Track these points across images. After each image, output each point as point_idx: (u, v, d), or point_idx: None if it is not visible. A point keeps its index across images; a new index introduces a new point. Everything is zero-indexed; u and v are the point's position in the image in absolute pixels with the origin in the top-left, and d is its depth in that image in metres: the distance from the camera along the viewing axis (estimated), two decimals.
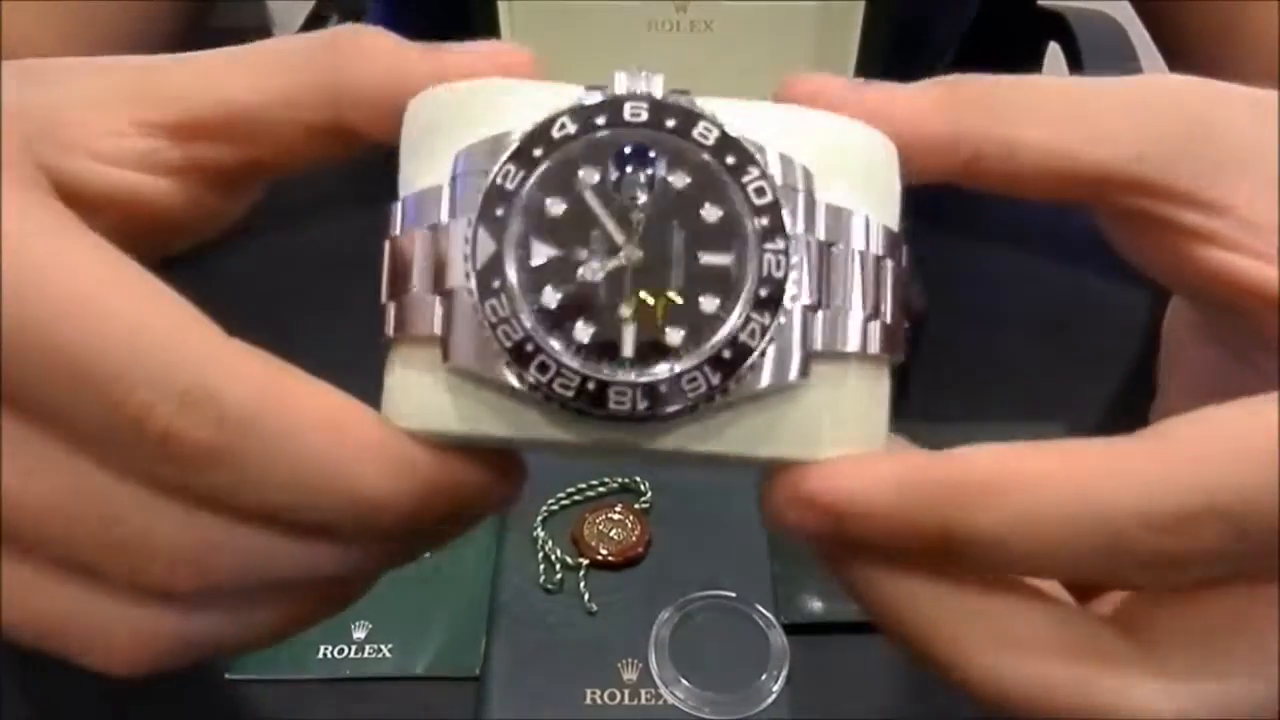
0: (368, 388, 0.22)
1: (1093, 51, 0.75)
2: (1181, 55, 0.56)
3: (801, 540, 0.22)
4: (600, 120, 0.21)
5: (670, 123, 0.21)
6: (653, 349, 0.21)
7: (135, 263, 0.21)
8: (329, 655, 0.42)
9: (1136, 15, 0.60)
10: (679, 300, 0.21)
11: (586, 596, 0.44)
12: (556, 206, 0.21)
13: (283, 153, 0.25)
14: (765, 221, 0.21)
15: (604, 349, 0.21)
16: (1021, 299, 0.57)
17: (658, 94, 0.22)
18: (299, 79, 0.24)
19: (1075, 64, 0.76)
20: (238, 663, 0.41)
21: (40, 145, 0.22)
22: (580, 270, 0.21)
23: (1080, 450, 0.20)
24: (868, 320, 0.22)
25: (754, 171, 0.21)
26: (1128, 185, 0.22)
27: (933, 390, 0.45)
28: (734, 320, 0.21)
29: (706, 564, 0.45)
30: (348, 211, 0.55)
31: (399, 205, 0.23)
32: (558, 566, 0.45)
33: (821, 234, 0.22)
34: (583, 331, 0.21)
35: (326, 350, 0.24)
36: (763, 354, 0.21)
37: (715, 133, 0.21)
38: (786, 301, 0.21)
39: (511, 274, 0.21)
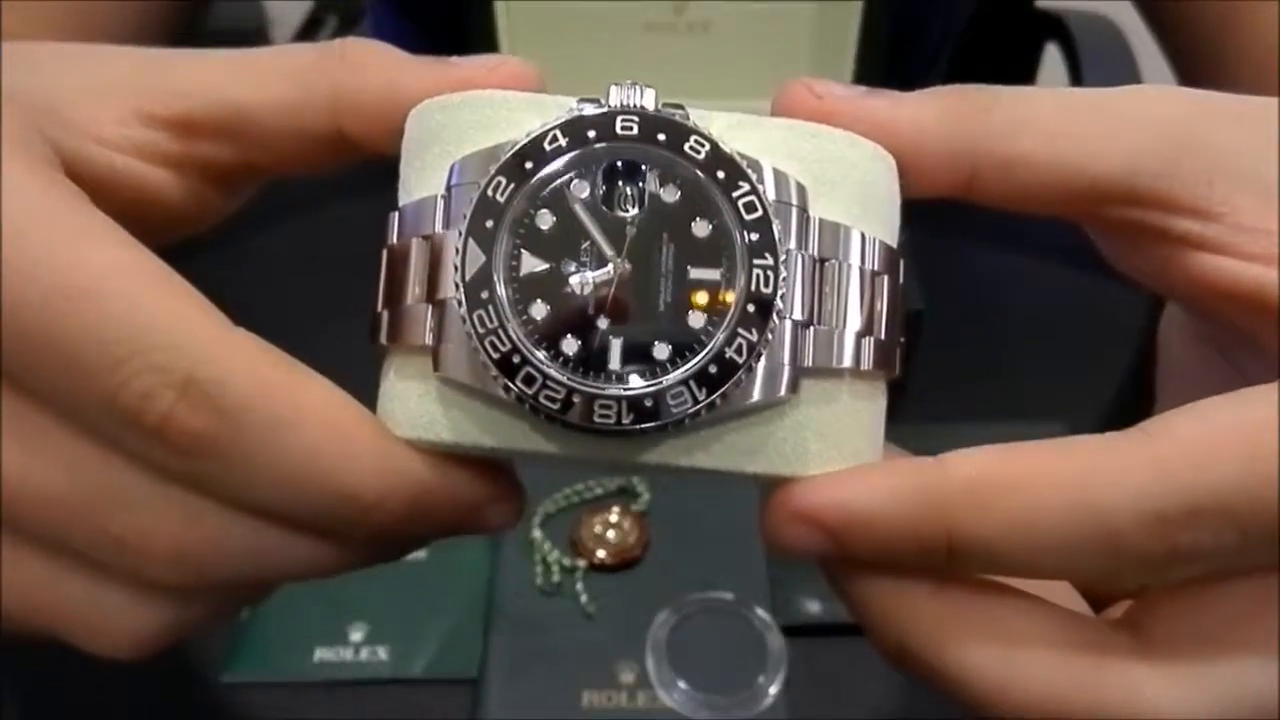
0: (365, 379, 0.23)
1: (1090, 53, 0.75)
2: (1182, 52, 0.56)
3: (800, 559, 0.22)
4: (592, 134, 0.21)
5: (661, 137, 0.21)
6: (640, 363, 0.21)
7: (144, 247, 0.21)
8: (326, 658, 0.42)
9: (1137, 12, 0.60)
10: (667, 314, 0.21)
11: (584, 599, 0.44)
12: (546, 219, 0.21)
13: (281, 157, 0.25)
14: (755, 236, 0.21)
15: (591, 362, 0.21)
16: (1020, 299, 0.57)
17: (650, 107, 0.22)
18: (301, 87, 0.24)
19: (1073, 65, 0.76)
20: (234, 665, 0.41)
21: (44, 124, 0.22)
22: (569, 283, 0.21)
23: (1075, 448, 0.20)
24: (861, 336, 0.22)
25: (744, 186, 0.21)
26: (1122, 197, 0.23)
27: (931, 390, 0.45)
28: (721, 336, 0.21)
29: (704, 566, 0.45)
30: (345, 202, 0.55)
31: (396, 214, 0.23)
32: (555, 569, 0.45)
33: (815, 250, 0.22)
34: (570, 344, 0.21)
35: (324, 345, 0.24)
36: (750, 370, 0.21)
37: (706, 147, 0.21)
38: (775, 317, 0.21)
39: (500, 286, 0.21)
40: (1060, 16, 0.79)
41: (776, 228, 0.21)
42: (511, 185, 0.21)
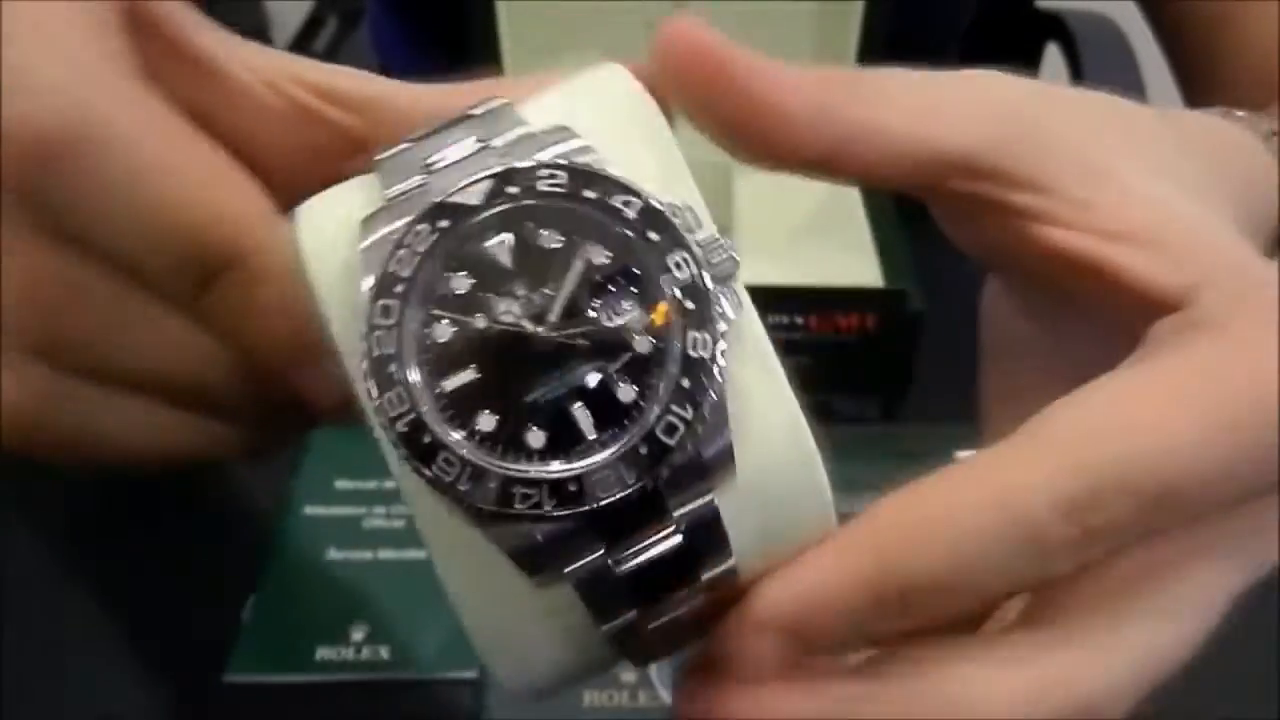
0: None
1: (1091, 53, 0.75)
2: (1181, 51, 0.56)
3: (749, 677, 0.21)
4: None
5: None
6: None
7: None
8: (327, 657, 0.42)
9: (1140, 12, 0.60)
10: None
11: None
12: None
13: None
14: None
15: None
16: None
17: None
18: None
19: (1074, 65, 0.77)
20: (235, 664, 0.41)
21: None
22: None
23: (977, 463, 0.21)
24: None
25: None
26: (968, 171, 0.24)
27: (931, 390, 0.45)
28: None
29: None
30: None
31: None
32: None
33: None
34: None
35: None
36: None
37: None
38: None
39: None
40: (1061, 16, 0.79)
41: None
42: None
